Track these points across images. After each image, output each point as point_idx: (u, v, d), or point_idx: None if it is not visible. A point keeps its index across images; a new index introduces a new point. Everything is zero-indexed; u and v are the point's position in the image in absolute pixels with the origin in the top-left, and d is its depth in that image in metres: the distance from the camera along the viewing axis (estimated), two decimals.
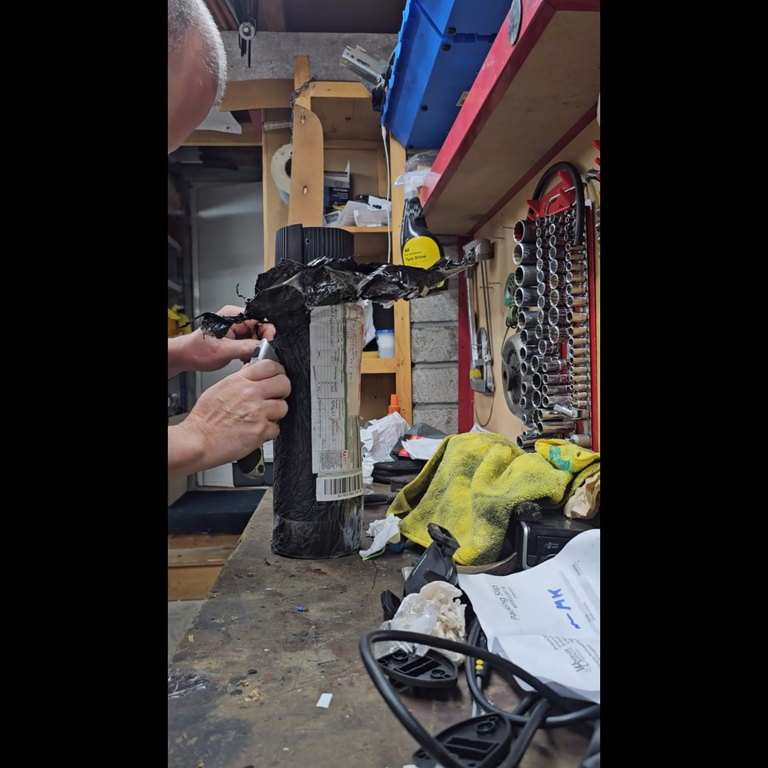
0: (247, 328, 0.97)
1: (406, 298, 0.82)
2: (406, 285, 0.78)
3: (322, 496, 0.80)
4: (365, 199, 1.97)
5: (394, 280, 0.77)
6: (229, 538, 2.39)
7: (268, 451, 0.84)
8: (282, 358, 0.82)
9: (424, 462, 1.01)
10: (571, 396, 0.96)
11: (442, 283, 1.42)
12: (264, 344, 0.83)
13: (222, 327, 0.80)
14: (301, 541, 0.80)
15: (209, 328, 0.80)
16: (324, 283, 0.76)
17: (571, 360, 0.96)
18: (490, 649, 0.50)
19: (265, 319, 0.83)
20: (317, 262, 0.75)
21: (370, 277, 0.77)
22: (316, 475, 0.80)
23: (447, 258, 0.82)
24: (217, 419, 0.74)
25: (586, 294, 0.94)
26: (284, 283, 0.75)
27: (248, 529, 0.97)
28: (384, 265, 0.78)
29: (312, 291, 0.76)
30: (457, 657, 0.50)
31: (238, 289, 0.80)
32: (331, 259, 0.76)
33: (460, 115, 1.03)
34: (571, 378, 0.96)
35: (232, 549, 0.90)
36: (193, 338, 0.97)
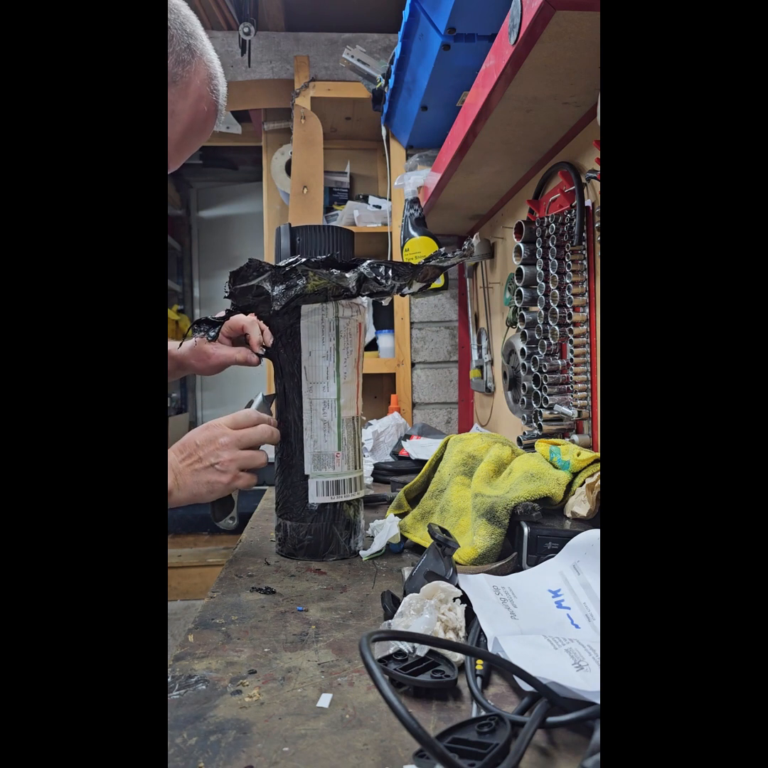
0: (236, 333, 0.97)
1: (402, 295, 0.81)
2: (384, 281, 0.76)
3: (313, 497, 0.79)
4: (365, 199, 1.97)
5: (373, 276, 0.76)
6: (229, 538, 2.38)
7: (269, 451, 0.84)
8: (276, 366, 0.82)
9: (424, 462, 1.01)
10: (571, 396, 0.96)
11: (441, 282, 1.42)
12: (258, 398, 0.84)
13: (213, 332, 0.80)
14: (295, 542, 0.80)
15: (202, 333, 0.80)
16: (295, 283, 0.74)
17: (571, 360, 0.96)
18: (490, 649, 0.50)
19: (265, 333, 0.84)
20: (286, 262, 0.74)
21: (349, 274, 0.75)
22: (308, 476, 0.80)
23: (441, 250, 0.80)
24: (189, 462, 0.75)
25: (586, 294, 0.94)
26: (253, 282, 0.75)
27: (248, 529, 0.97)
28: (368, 261, 0.76)
29: (283, 290, 0.75)
30: (457, 657, 0.50)
31: (226, 287, 0.80)
32: (304, 259, 0.74)
33: (460, 115, 1.03)
34: (571, 378, 0.96)
35: (232, 549, 0.90)
36: (192, 344, 0.98)
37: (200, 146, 0.74)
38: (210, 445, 0.76)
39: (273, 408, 0.84)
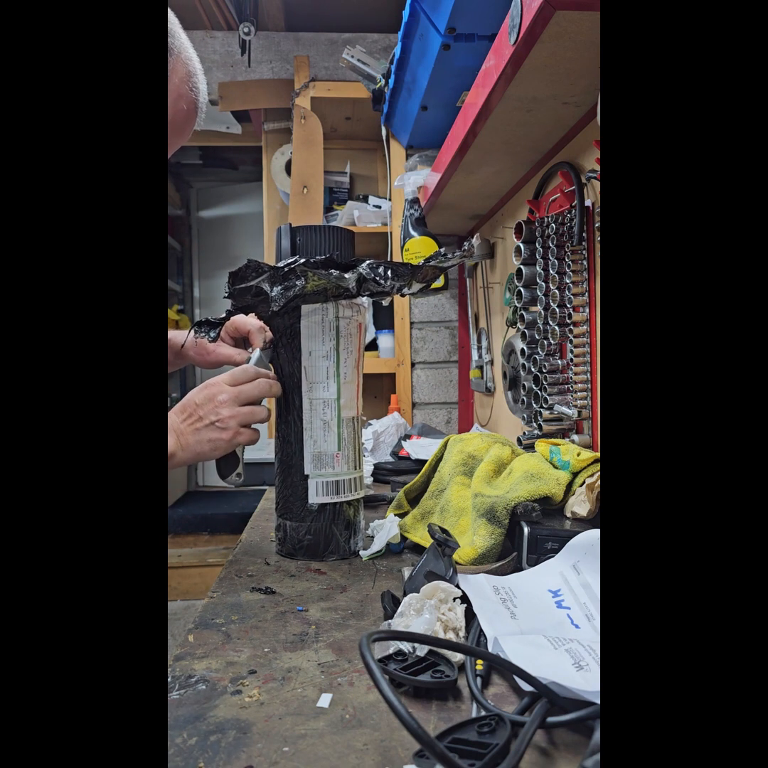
0: (241, 335, 0.97)
1: (402, 295, 0.81)
2: (384, 282, 0.76)
3: (313, 497, 0.79)
4: (365, 199, 1.97)
5: (372, 276, 0.75)
6: (229, 538, 2.39)
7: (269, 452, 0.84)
8: (276, 366, 0.81)
9: (424, 462, 1.01)
10: (571, 396, 0.96)
11: (441, 282, 1.42)
12: (256, 353, 0.83)
13: (213, 333, 0.80)
14: (295, 542, 0.80)
15: (202, 335, 0.80)
16: (294, 283, 0.74)
17: (571, 360, 0.96)
18: (490, 649, 0.50)
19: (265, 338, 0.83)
20: (284, 263, 0.74)
21: (348, 275, 0.75)
22: (308, 476, 0.80)
23: (441, 250, 0.80)
24: (190, 421, 0.75)
25: (586, 294, 0.94)
26: (252, 282, 0.75)
27: (248, 529, 0.97)
28: (368, 261, 0.76)
29: (281, 291, 0.75)
30: (457, 657, 0.50)
31: (226, 288, 0.80)
32: (303, 259, 0.74)
33: (460, 115, 1.03)
34: (571, 378, 0.96)
35: (232, 549, 0.90)
36: (193, 343, 0.97)
37: (181, 144, 0.72)
38: (209, 403, 0.76)
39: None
